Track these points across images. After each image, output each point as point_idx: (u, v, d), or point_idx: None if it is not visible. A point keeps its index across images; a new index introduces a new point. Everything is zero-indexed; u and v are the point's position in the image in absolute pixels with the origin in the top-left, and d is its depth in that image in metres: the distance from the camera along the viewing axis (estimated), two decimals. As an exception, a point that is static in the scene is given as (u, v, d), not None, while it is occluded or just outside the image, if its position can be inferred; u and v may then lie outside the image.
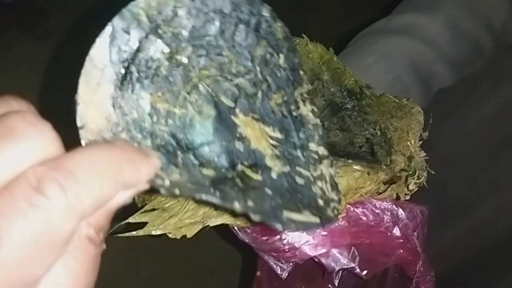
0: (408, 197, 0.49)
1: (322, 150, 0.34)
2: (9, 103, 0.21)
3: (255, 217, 0.26)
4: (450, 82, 0.62)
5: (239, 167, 0.30)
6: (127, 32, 0.26)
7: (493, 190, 0.60)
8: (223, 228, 0.44)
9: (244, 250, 0.48)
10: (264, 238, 0.41)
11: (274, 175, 0.31)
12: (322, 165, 0.34)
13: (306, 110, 0.34)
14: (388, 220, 0.45)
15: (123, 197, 0.22)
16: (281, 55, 0.33)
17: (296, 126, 0.34)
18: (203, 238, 0.35)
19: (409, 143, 0.52)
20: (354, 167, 0.43)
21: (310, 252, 0.40)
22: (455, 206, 0.59)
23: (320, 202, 0.32)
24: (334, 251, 0.40)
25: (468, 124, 0.64)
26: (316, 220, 0.30)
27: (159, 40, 0.27)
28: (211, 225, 0.39)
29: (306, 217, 0.30)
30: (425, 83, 0.60)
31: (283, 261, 0.45)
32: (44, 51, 1.33)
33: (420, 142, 0.53)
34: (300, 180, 0.32)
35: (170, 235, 0.41)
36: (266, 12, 0.32)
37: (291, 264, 0.45)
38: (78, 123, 0.24)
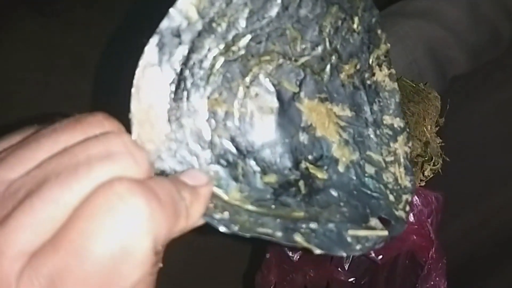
0: (423, 184, 0.48)
1: (398, 122, 0.32)
2: (102, 123, 0.21)
3: (318, 251, 0.25)
4: (467, 69, 0.61)
5: (303, 164, 0.28)
6: (177, 36, 0.23)
7: (507, 182, 0.59)
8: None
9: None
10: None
11: (341, 167, 0.29)
12: (397, 143, 0.32)
13: (382, 75, 0.32)
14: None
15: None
16: (356, 18, 0.30)
17: (370, 97, 0.32)
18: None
19: (425, 129, 0.51)
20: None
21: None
22: (468, 195, 0.58)
23: (391, 197, 0.30)
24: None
25: (483, 112, 0.62)
26: (384, 233, 0.28)
27: (212, 36, 0.24)
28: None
29: (373, 231, 0.27)
30: (441, 68, 0.59)
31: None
32: (52, 31, 1.32)
33: (437, 128, 0.52)
34: (370, 169, 0.30)
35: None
36: None
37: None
38: (136, 138, 0.22)
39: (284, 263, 0.49)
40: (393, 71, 0.33)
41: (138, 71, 0.22)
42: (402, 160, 0.32)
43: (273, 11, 0.27)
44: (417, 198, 0.46)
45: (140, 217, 0.18)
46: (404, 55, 0.57)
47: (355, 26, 0.30)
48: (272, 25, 0.27)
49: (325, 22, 0.29)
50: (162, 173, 0.23)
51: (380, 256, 0.40)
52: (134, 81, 0.22)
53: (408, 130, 0.33)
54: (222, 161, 0.25)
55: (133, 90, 0.22)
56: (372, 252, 0.40)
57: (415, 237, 0.44)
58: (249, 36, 0.26)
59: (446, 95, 0.56)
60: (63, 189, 0.18)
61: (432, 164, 0.48)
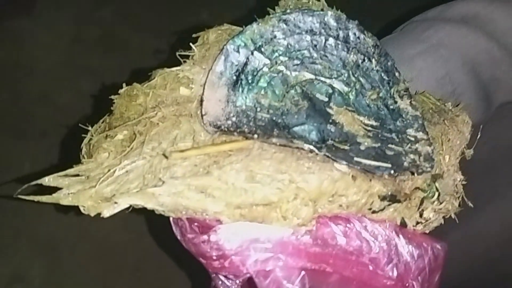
0: (420, 227, 0.36)
1: (421, 135, 0.36)
2: None
3: (321, 152, 0.31)
4: None
5: (329, 142, 0.34)
6: (237, 52, 0.35)
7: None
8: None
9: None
10: (191, 236, 0.30)
11: (362, 147, 0.34)
12: (418, 144, 0.36)
13: (404, 104, 0.38)
14: (377, 251, 0.32)
15: None
16: (373, 60, 0.38)
17: (393, 116, 0.37)
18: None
19: (441, 158, 0.39)
20: (335, 164, 0.31)
21: (242, 266, 0.28)
22: None
23: (406, 164, 0.34)
24: (278, 271, 0.28)
25: None
26: (387, 165, 0.33)
27: (261, 55, 0.36)
28: (122, 204, 0.30)
29: (377, 163, 0.32)
30: (484, 89, 0.46)
31: (230, 277, 0.34)
32: (85, 3, 1.28)
33: (458, 159, 0.40)
34: (390, 152, 0.34)
35: (82, 210, 0.32)
36: (353, 26, 0.38)
37: (237, 282, 0.34)
38: (203, 112, 0.33)
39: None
40: (414, 102, 0.38)
41: (211, 71, 0.35)
42: (423, 154, 0.35)
43: (304, 46, 0.37)
44: (405, 244, 0.33)
45: None
46: (436, 67, 0.45)
47: (373, 66, 0.38)
48: (305, 55, 0.37)
49: (348, 59, 0.38)
50: (218, 128, 0.32)
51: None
52: (208, 75, 0.35)
53: (431, 141, 0.36)
54: (261, 127, 0.33)
55: (207, 79, 0.35)
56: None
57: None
58: (287, 60, 0.37)
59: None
60: None
61: (437, 202, 0.36)
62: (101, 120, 0.40)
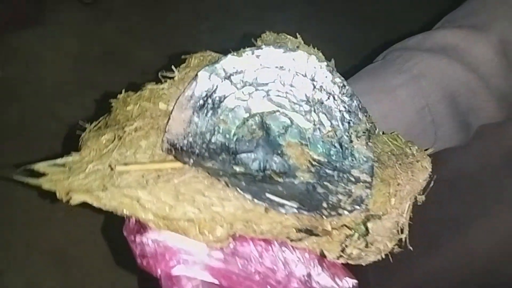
0: (342, 261, 0.39)
1: (364, 177, 0.39)
2: None
3: (241, 192, 0.35)
4: (498, 119, 0.48)
5: (268, 171, 0.38)
6: (209, 78, 0.39)
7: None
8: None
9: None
10: (125, 233, 0.36)
11: (296, 181, 0.38)
12: (354, 186, 0.38)
13: (359, 144, 0.41)
14: (289, 273, 0.36)
15: None
16: (338, 99, 0.41)
17: (344, 155, 0.40)
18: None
19: (387, 200, 0.41)
20: (248, 196, 0.35)
21: (155, 268, 0.34)
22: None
23: (324, 204, 0.37)
24: (183, 278, 0.34)
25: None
26: (292, 204, 0.35)
27: (230, 84, 0.39)
28: (76, 200, 0.36)
29: (282, 200, 0.35)
30: (463, 118, 0.48)
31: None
32: (88, 18, 1.32)
33: (407, 204, 0.41)
34: (320, 190, 0.38)
35: (58, 195, 0.40)
36: (322, 65, 0.41)
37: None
38: (167, 129, 0.38)
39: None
40: (370, 143, 0.41)
41: (182, 93, 0.39)
42: (354, 196, 0.38)
43: (272, 80, 0.40)
44: (321, 272, 0.37)
45: None
46: (416, 99, 0.47)
47: (336, 105, 0.41)
48: (271, 87, 0.40)
49: (312, 96, 0.41)
50: (173, 146, 0.37)
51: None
52: (179, 97, 0.39)
53: (371, 186, 0.39)
54: (211, 150, 0.38)
55: (177, 101, 0.39)
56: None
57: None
58: (254, 91, 0.40)
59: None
60: None
61: (363, 242, 0.38)
62: (101, 118, 0.48)
